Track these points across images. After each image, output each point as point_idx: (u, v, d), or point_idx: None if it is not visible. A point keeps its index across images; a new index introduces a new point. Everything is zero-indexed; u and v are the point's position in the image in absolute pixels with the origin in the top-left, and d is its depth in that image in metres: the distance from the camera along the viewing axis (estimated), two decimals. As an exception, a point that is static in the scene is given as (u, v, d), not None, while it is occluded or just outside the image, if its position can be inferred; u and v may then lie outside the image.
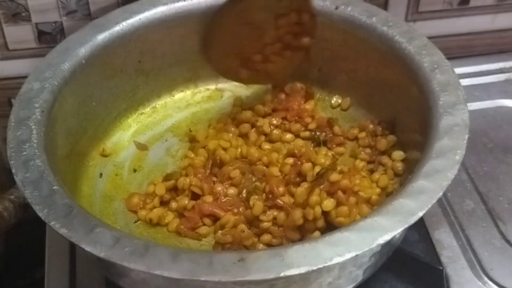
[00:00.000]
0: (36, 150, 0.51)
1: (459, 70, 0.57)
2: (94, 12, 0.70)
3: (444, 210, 0.63)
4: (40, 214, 0.46)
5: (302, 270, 0.42)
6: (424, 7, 0.77)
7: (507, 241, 0.60)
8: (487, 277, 0.58)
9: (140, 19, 0.63)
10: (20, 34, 0.71)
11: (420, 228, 0.60)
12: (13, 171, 0.49)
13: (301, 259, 0.42)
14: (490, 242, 0.60)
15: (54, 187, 0.48)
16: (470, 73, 0.76)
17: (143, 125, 0.67)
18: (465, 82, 0.56)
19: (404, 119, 0.61)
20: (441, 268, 0.57)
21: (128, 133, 0.66)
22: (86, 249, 0.44)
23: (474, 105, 0.72)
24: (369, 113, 0.64)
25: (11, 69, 0.73)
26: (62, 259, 0.61)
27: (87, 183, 0.61)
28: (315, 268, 0.42)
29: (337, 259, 0.42)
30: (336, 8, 0.63)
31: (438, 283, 0.57)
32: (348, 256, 0.43)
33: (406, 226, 0.45)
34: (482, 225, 0.62)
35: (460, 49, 0.80)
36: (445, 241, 0.60)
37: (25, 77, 0.57)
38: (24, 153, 0.51)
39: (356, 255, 0.43)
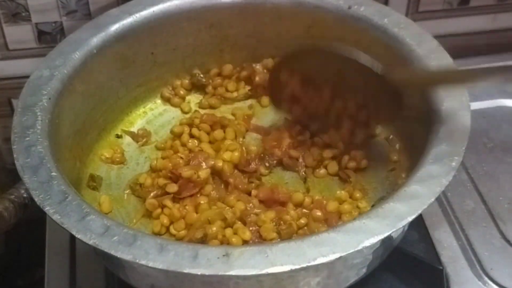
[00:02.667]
0: (39, 137, 0.52)
1: (459, 70, 0.57)
2: (94, 11, 0.70)
3: (444, 210, 0.63)
4: (36, 199, 0.47)
5: (285, 268, 0.42)
6: (424, 7, 0.77)
7: (507, 241, 0.60)
8: (487, 277, 0.58)
9: (153, 11, 0.63)
10: (20, 34, 0.71)
11: (420, 228, 0.60)
12: (15, 155, 0.50)
13: (285, 257, 0.43)
14: (490, 242, 0.60)
15: (52, 173, 0.49)
16: (470, 73, 0.76)
17: (153, 115, 0.67)
18: (465, 82, 0.56)
19: (408, 122, 0.60)
20: (441, 267, 0.57)
21: (137, 124, 0.66)
22: (77, 236, 0.45)
23: (474, 105, 0.70)
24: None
25: (11, 69, 0.73)
26: (62, 259, 0.61)
27: (93, 170, 0.61)
28: (298, 267, 0.42)
29: (321, 260, 0.42)
30: (349, 7, 0.63)
31: (438, 283, 0.57)
32: (332, 257, 0.43)
33: (394, 230, 0.44)
34: (482, 224, 0.62)
35: (460, 48, 0.80)
36: (445, 241, 0.60)
37: (25, 77, 0.57)
38: (27, 138, 0.51)
39: (341, 257, 0.43)
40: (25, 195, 0.64)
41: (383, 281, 0.57)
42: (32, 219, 0.63)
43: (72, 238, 0.61)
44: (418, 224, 0.60)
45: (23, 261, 0.73)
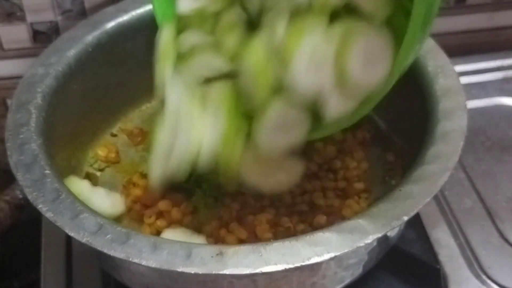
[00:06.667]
0: (33, 134, 0.51)
1: (456, 68, 0.56)
2: (89, 10, 0.70)
3: (441, 209, 0.63)
4: (29, 197, 0.47)
5: (279, 267, 0.42)
6: (421, 5, 0.77)
7: (505, 239, 0.60)
8: (485, 276, 0.57)
9: (150, 9, 0.63)
10: (15, 34, 0.71)
11: (417, 227, 0.60)
12: (8, 153, 0.50)
13: (279, 256, 0.42)
14: (488, 241, 0.60)
15: (46, 171, 0.49)
16: (467, 71, 0.76)
17: (149, 115, 0.67)
18: (462, 80, 0.56)
19: (404, 123, 0.60)
20: (438, 267, 0.57)
21: (133, 123, 0.66)
22: (70, 234, 0.44)
23: (471, 103, 0.71)
24: (374, 114, 0.64)
25: (6, 69, 0.73)
26: (58, 260, 0.60)
27: (88, 169, 0.61)
28: (292, 266, 0.42)
29: (315, 259, 0.42)
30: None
31: (436, 282, 0.56)
32: (326, 256, 0.42)
33: (389, 230, 0.44)
34: (480, 223, 0.62)
35: (458, 47, 0.80)
36: (443, 240, 0.60)
37: (20, 77, 0.57)
38: (21, 136, 0.51)
39: (335, 256, 0.43)
40: (20, 196, 0.63)
41: (380, 280, 0.57)
42: (28, 220, 0.62)
43: (68, 238, 0.61)
44: (416, 223, 0.60)
45: (18, 262, 0.72)
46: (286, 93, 0.49)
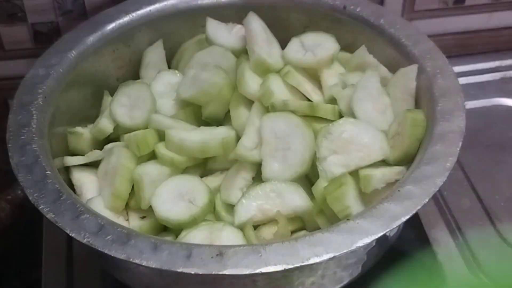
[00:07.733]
0: (34, 135, 0.52)
1: (455, 69, 0.57)
2: (89, 11, 0.70)
3: (440, 209, 0.63)
4: (30, 198, 0.47)
5: (279, 268, 0.42)
6: (420, 6, 0.77)
7: (504, 239, 0.60)
8: (483, 275, 0.58)
9: (150, 10, 0.64)
10: (16, 35, 0.71)
11: (416, 227, 0.60)
12: (10, 154, 0.50)
13: (278, 257, 0.43)
14: (487, 240, 0.60)
15: (47, 172, 0.49)
16: (466, 71, 0.76)
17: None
18: (461, 80, 0.56)
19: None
20: (437, 266, 0.57)
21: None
22: (71, 234, 0.45)
23: (470, 104, 0.72)
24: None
25: (7, 70, 0.73)
26: (59, 260, 0.61)
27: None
28: (291, 266, 0.42)
29: (314, 259, 0.43)
30: (344, 7, 0.63)
31: (435, 281, 0.57)
32: (325, 257, 0.43)
33: (388, 230, 0.45)
34: (479, 223, 0.62)
35: (456, 47, 0.80)
36: (442, 240, 0.60)
37: (21, 77, 0.57)
38: (22, 137, 0.52)
39: (334, 257, 0.43)
40: (21, 196, 0.63)
41: (379, 280, 0.57)
42: (29, 219, 0.62)
43: (69, 239, 0.61)
44: (415, 223, 0.60)
45: (19, 262, 0.72)
46: None
